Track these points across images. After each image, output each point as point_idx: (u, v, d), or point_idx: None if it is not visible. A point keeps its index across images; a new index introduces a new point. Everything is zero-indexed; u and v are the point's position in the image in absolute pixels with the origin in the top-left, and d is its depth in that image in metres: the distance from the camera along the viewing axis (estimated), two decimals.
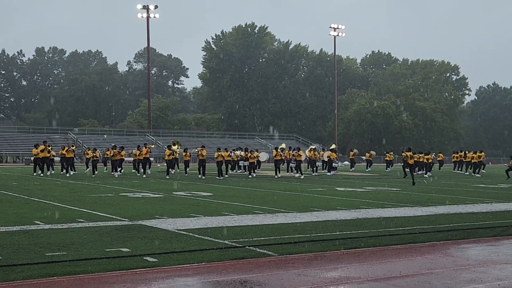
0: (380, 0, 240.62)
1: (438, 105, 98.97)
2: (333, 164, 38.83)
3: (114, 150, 31.83)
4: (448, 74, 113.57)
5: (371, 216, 12.74)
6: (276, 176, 30.97)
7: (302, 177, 30.65)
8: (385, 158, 48.01)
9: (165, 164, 32.57)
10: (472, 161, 39.81)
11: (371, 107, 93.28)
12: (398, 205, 15.42)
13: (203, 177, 28.68)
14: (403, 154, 32.11)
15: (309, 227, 10.78)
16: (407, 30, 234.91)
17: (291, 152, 34.83)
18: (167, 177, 29.31)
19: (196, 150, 31.91)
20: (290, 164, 35.77)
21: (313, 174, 35.35)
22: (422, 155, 38.32)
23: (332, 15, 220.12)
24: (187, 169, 33.15)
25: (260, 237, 9.44)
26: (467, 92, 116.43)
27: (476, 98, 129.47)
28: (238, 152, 36.29)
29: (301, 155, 31.85)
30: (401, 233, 10.22)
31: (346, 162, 51.62)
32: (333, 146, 45.63)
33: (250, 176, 31.41)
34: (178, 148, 32.37)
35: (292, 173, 34.79)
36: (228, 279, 6.59)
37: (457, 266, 7.61)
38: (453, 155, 44.53)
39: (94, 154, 32.39)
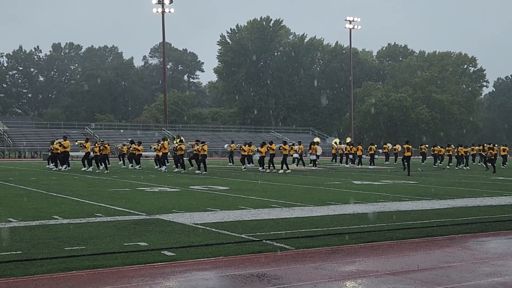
0: None
1: (456, 97, 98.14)
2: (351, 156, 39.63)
3: (97, 145, 30.91)
4: (465, 66, 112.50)
5: (388, 210, 12.69)
6: (273, 170, 30.82)
7: (288, 171, 30.20)
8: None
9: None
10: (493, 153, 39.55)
11: (388, 100, 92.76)
12: (416, 198, 15.34)
13: (205, 172, 28.15)
14: (397, 146, 33.00)
15: (326, 221, 10.77)
16: (423, 22, 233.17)
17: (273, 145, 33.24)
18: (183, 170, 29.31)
19: (190, 144, 31.53)
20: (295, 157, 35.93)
21: (312, 167, 35.06)
22: (462, 147, 38.72)
23: (348, 7, 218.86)
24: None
25: (277, 231, 9.45)
26: (484, 84, 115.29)
27: (494, 89, 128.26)
28: (234, 145, 36.00)
29: (286, 149, 31.41)
30: (419, 227, 10.17)
31: (364, 156, 51.25)
32: (349, 140, 45.75)
33: (264, 170, 31.06)
34: (169, 143, 31.76)
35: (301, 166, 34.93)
36: (246, 273, 6.60)
37: (475, 259, 7.56)
38: (472, 147, 44.37)
39: (92, 147, 31.04)
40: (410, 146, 29.27)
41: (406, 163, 29.10)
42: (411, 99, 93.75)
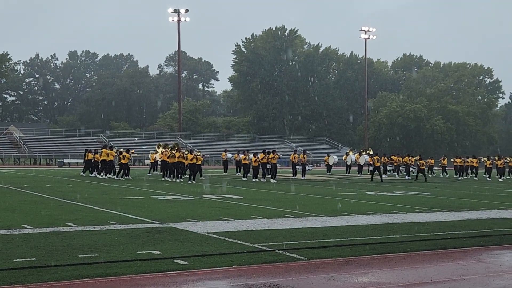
0: (411, 2, 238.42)
1: (471, 109, 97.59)
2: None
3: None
4: (481, 77, 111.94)
5: (402, 221, 12.63)
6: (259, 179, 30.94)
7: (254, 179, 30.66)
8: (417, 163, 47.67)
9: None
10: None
11: (402, 110, 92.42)
12: (430, 210, 15.26)
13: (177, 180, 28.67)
14: (369, 158, 38.12)
15: (339, 232, 10.74)
16: (439, 33, 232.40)
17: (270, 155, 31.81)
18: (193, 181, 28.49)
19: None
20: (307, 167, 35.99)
21: (293, 177, 34.74)
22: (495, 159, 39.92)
23: (363, 17, 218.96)
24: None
25: (290, 241, 9.43)
26: (500, 95, 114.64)
27: (510, 101, 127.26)
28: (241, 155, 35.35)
29: (275, 158, 31.22)
30: (433, 239, 10.11)
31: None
32: (371, 151, 46.31)
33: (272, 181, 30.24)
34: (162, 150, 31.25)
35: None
36: (258, 282, 6.60)
37: (489, 272, 7.50)
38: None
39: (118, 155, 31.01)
40: (379, 157, 34.90)
41: (373, 172, 34.10)
42: (426, 110, 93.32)
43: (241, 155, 35.14)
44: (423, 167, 36.49)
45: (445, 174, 44.88)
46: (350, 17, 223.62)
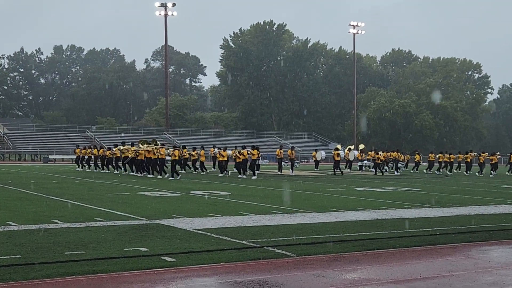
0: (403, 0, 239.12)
1: (460, 104, 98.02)
2: (364, 162, 41.23)
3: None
4: (470, 72, 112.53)
5: (391, 217, 12.62)
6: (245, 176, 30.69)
7: (254, 177, 29.56)
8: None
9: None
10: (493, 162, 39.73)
11: (391, 105, 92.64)
12: (419, 206, 15.26)
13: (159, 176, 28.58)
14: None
15: (328, 228, 10.70)
16: (427, 28, 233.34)
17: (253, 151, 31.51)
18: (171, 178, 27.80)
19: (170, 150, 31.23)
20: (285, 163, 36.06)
21: (278, 172, 35.07)
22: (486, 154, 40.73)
23: (352, 12, 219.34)
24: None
25: (278, 238, 9.38)
26: (489, 90, 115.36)
27: (499, 96, 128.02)
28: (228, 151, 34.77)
29: (255, 154, 31.07)
30: (422, 235, 10.09)
31: (366, 162, 51.01)
32: (362, 146, 46.50)
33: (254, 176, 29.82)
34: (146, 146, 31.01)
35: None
36: (247, 279, 6.54)
37: (478, 268, 7.49)
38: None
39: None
40: (339, 153, 37.20)
41: (335, 167, 35.79)
42: (415, 105, 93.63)
43: (216, 151, 34.86)
44: (379, 162, 36.81)
45: (416, 169, 44.21)
46: (342, 13, 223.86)
